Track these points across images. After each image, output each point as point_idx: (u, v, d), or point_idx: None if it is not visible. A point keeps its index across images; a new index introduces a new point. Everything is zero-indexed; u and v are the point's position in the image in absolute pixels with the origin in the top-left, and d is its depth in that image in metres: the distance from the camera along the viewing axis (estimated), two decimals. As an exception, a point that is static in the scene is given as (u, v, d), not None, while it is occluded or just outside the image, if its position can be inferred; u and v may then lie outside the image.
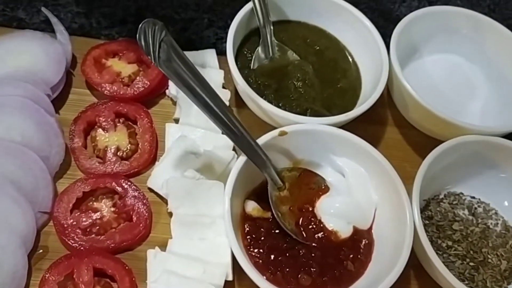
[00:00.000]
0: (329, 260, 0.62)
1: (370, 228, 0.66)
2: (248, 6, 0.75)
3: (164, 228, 0.66)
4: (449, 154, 0.68)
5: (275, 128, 0.70)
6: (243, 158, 0.63)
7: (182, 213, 0.64)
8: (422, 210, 0.71)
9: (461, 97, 0.82)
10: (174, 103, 0.75)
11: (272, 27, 0.76)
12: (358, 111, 0.69)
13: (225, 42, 0.72)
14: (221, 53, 0.76)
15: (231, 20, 0.75)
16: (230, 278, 0.61)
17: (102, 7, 0.86)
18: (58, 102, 0.73)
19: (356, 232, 0.65)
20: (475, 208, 0.72)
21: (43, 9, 0.76)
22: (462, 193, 0.74)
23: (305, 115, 0.71)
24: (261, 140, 0.64)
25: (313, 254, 0.63)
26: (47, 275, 0.58)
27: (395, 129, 0.80)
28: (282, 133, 0.66)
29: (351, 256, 0.63)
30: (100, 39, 0.82)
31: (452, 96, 0.81)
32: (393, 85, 0.76)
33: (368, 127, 0.76)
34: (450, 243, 0.68)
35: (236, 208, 0.64)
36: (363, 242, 0.65)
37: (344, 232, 0.64)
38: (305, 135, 0.67)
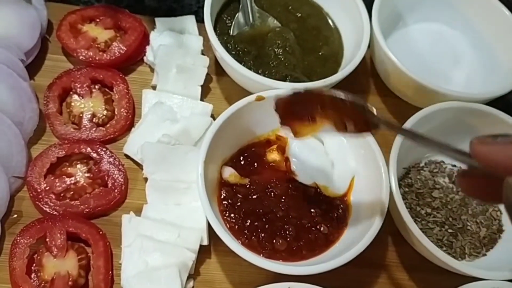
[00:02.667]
0: (304, 224, 0.62)
1: (347, 194, 0.65)
2: (228, -29, 0.73)
3: (140, 194, 0.65)
4: (429, 121, 0.67)
5: (254, 95, 0.69)
6: (218, 123, 0.62)
7: (157, 178, 0.63)
8: (402, 178, 0.71)
9: (446, 66, 0.80)
10: (152, 70, 0.74)
11: (252, -7, 0.74)
12: (337, 76, 0.68)
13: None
14: (202, 21, 0.74)
15: (214, -12, 0.73)
16: (205, 242, 0.61)
17: (81, -26, 0.84)
18: (33, 68, 0.71)
19: (333, 197, 0.64)
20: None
21: (16, -28, 0.74)
22: (443, 161, 0.73)
23: (284, 81, 0.70)
24: (237, 105, 0.63)
25: (290, 217, 0.62)
26: (18, 238, 0.58)
27: (378, 98, 0.79)
28: (259, 98, 0.64)
29: (327, 220, 0.63)
30: (78, 5, 0.81)
31: (436, 64, 0.80)
32: (375, 53, 0.74)
33: (350, 95, 0.76)
34: (429, 210, 0.68)
35: (212, 173, 0.63)
36: (340, 207, 0.64)
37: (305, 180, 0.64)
38: None
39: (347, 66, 0.69)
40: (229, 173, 0.65)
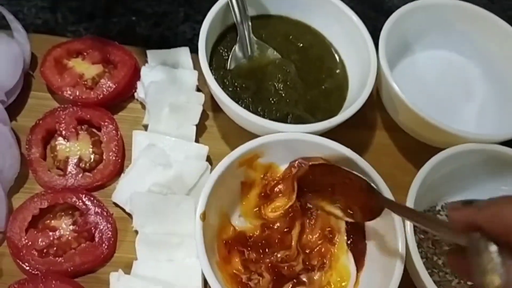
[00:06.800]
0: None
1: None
2: (223, 0, 0.68)
3: (130, 247, 0.60)
4: (446, 164, 0.62)
5: (252, 134, 0.64)
6: (214, 177, 0.56)
7: (148, 232, 0.58)
8: (417, 223, 0.66)
9: (456, 97, 0.75)
10: (144, 106, 0.69)
11: (250, 23, 0.69)
12: (343, 117, 0.63)
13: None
14: (197, 50, 0.69)
15: (210, 14, 0.68)
16: (200, 303, 0.56)
17: (69, 1, 0.80)
18: (15, 107, 0.66)
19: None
20: (473, 220, 0.67)
21: (-4, 5, 0.69)
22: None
23: (286, 120, 0.65)
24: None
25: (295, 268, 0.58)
26: (-4, 305, 0.53)
27: (384, 133, 0.74)
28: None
29: (336, 276, 0.58)
30: (66, 36, 0.76)
31: (446, 96, 0.75)
32: (382, 86, 0.69)
33: (355, 131, 0.71)
34: (447, 260, 0.63)
35: (213, 220, 0.58)
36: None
37: None
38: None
39: (353, 103, 0.64)
40: None
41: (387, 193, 0.58)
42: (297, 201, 0.60)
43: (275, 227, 0.60)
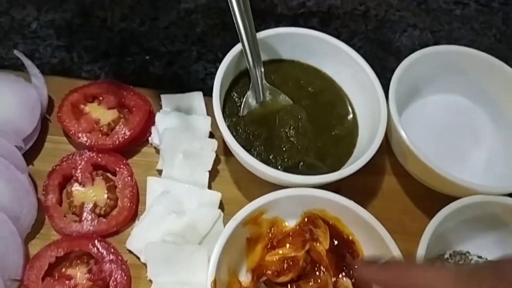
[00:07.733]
0: None
1: None
2: (238, 47, 0.69)
3: (144, 295, 0.62)
4: (458, 215, 0.63)
5: (264, 180, 0.65)
6: (221, 242, 0.56)
7: (161, 281, 0.60)
8: (424, 271, 0.67)
9: (465, 142, 0.76)
10: (158, 151, 0.71)
11: (263, 70, 0.71)
12: (352, 169, 0.63)
13: (214, 78, 0.67)
14: (210, 93, 0.69)
15: (222, 53, 0.69)
16: None
17: (84, 40, 0.81)
18: (32, 152, 0.68)
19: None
20: (482, 269, 0.68)
21: (15, 52, 0.70)
22: (468, 252, 0.69)
23: (297, 168, 0.66)
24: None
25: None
26: None
27: (394, 178, 0.75)
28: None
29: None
30: (81, 76, 0.77)
31: (454, 140, 0.76)
32: (392, 133, 0.71)
33: (364, 176, 0.70)
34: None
35: (223, 279, 0.59)
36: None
37: None
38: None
39: (363, 156, 0.64)
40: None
41: (392, 245, 0.59)
42: (305, 259, 0.61)
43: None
